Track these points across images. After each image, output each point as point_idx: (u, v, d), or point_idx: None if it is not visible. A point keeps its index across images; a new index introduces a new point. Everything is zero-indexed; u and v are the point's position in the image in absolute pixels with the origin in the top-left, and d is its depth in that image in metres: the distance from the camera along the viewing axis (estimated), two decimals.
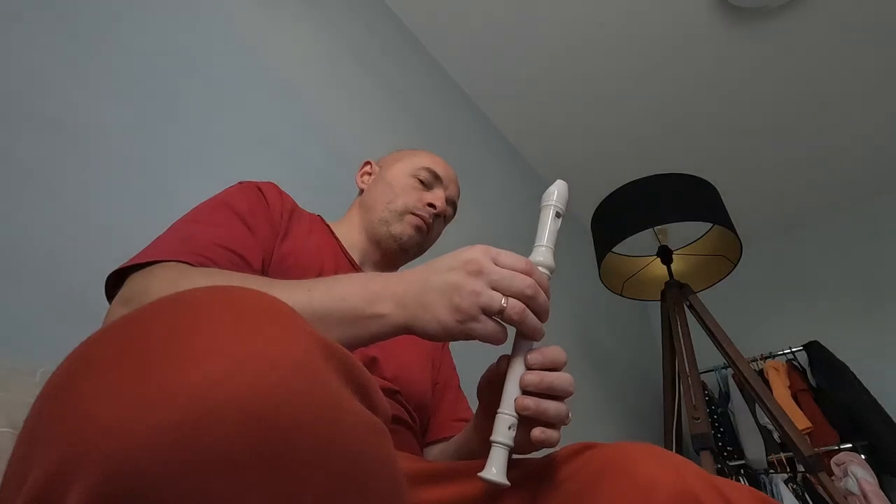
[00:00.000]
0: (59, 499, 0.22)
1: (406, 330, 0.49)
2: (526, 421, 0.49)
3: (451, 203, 0.91)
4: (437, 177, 0.89)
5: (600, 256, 2.03)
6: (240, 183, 0.73)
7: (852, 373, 2.40)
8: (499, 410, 0.49)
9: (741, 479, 2.27)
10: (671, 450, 1.76)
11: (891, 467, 2.17)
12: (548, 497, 0.50)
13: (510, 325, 0.48)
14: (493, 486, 0.47)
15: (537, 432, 0.49)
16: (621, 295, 2.27)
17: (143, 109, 1.03)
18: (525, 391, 0.49)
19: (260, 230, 0.68)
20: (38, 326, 0.75)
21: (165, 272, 0.53)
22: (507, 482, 0.47)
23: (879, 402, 2.30)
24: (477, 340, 0.48)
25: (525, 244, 0.57)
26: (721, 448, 2.44)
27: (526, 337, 0.51)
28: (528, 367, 0.50)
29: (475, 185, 2.07)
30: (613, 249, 2.01)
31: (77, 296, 0.79)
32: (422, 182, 0.88)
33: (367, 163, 0.94)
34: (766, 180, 2.90)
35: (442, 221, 0.90)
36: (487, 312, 0.46)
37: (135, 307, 0.47)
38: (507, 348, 0.54)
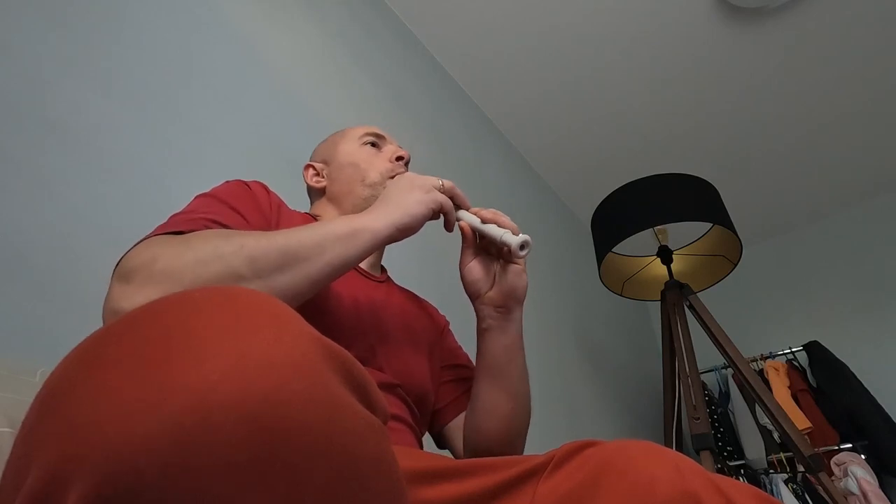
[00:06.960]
0: (57, 499, 0.22)
1: (393, 227, 0.60)
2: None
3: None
4: (380, 136, 0.89)
5: (600, 256, 2.03)
6: (226, 181, 0.73)
7: (852, 373, 2.40)
8: (485, 236, 0.70)
9: (741, 480, 2.27)
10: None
11: (891, 467, 2.17)
12: (548, 495, 0.50)
13: (449, 195, 0.68)
14: (527, 245, 0.67)
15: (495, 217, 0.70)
16: (621, 295, 2.27)
17: (143, 109, 1.03)
18: (484, 221, 0.70)
19: (251, 217, 0.67)
20: (38, 326, 0.75)
21: (150, 245, 0.52)
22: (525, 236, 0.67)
23: (879, 402, 2.31)
24: (441, 210, 0.66)
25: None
26: (721, 448, 2.45)
27: (463, 206, 0.71)
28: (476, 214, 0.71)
29: (474, 184, 2.07)
30: (613, 249, 2.01)
31: (77, 296, 0.79)
32: (373, 145, 0.87)
33: (309, 165, 0.91)
34: (766, 180, 2.90)
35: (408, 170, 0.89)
36: (435, 186, 0.66)
37: (121, 279, 0.49)
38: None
